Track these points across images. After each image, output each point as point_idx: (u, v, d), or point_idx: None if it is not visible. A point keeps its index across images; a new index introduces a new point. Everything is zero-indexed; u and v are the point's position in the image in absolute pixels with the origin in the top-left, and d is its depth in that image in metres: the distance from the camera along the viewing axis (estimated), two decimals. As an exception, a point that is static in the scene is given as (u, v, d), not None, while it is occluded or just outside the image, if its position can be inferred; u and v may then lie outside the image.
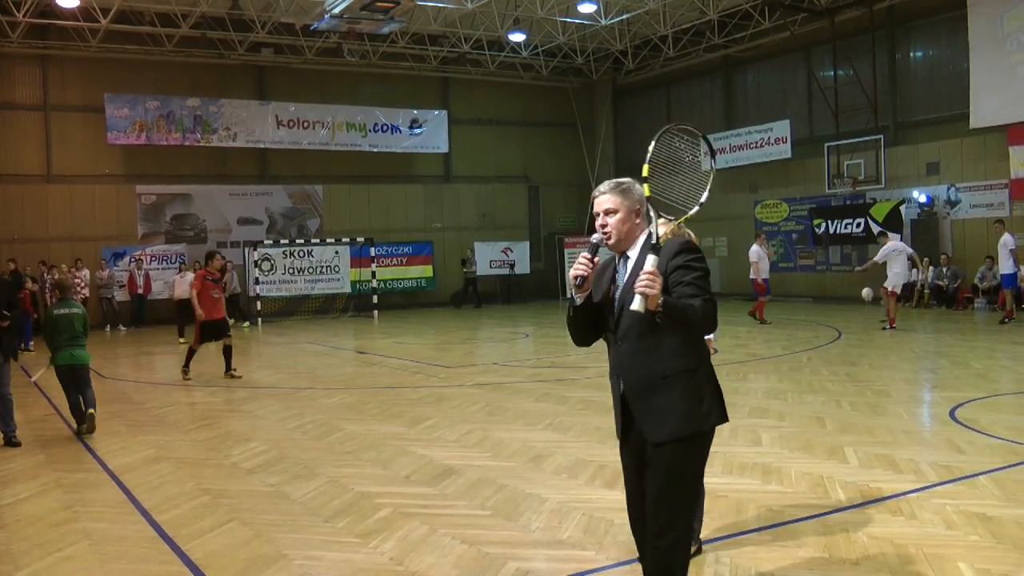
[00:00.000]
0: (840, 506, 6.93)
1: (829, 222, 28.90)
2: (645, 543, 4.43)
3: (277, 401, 13.15)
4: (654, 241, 4.20)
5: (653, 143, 4.48)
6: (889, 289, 20.36)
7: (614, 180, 4.55)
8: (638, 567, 5.24)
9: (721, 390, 4.45)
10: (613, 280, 4.49)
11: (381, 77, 34.40)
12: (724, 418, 4.41)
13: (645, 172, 4.35)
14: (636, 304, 4.05)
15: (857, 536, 6.19)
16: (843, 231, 28.45)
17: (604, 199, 4.47)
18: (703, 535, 6.08)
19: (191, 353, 15.85)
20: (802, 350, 16.62)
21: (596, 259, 4.34)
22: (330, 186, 33.79)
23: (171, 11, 27.41)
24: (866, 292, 21.39)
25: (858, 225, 28.03)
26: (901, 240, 23.16)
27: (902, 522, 6.56)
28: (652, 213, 4.38)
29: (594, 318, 4.52)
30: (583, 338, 4.66)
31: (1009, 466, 8.07)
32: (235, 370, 15.75)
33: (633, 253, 4.45)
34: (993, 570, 5.56)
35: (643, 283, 4.02)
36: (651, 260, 4.12)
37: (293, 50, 31.72)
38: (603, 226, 4.44)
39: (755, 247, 22.47)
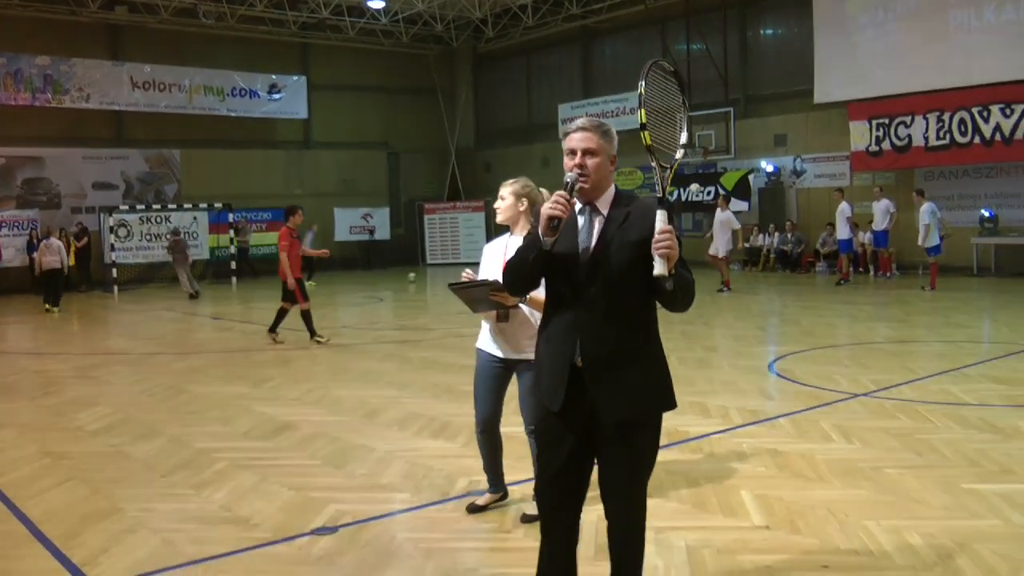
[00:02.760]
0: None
1: (681, 190, 29.85)
2: (561, 519, 4.09)
3: (126, 367, 13.35)
4: (660, 195, 3.76)
5: (643, 83, 3.84)
6: (720, 255, 21.31)
7: (593, 118, 3.99)
8: (445, 507, 5.83)
9: None
10: (579, 232, 3.94)
11: (239, 40, 33.95)
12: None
13: (642, 118, 3.79)
14: (658, 267, 3.60)
15: (656, 471, 6.82)
16: (695, 199, 29.42)
17: (584, 136, 3.89)
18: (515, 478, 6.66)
19: (308, 317, 14.69)
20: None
21: (573, 200, 3.81)
22: (188, 151, 33.29)
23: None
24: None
25: (709, 193, 29.04)
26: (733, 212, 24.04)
27: (700, 459, 7.32)
28: (655, 163, 3.85)
29: (544, 269, 3.98)
30: (525, 287, 4.16)
31: (808, 409, 8.99)
32: (321, 336, 14.77)
33: (603, 206, 3.94)
34: (770, 495, 6.31)
35: (665, 243, 3.60)
36: (662, 216, 3.67)
37: (148, 9, 31.02)
38: (580, 166, 3.84)
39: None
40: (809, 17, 26.38)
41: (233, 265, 30.59)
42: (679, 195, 29.83)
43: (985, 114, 22.73)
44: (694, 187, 21.41)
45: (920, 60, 23.80)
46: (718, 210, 22.17)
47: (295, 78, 35.07)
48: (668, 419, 8.12)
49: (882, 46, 24.68)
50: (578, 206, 3.97)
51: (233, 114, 33.66)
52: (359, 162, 37.19)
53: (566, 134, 3.97)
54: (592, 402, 3.87)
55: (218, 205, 31.30)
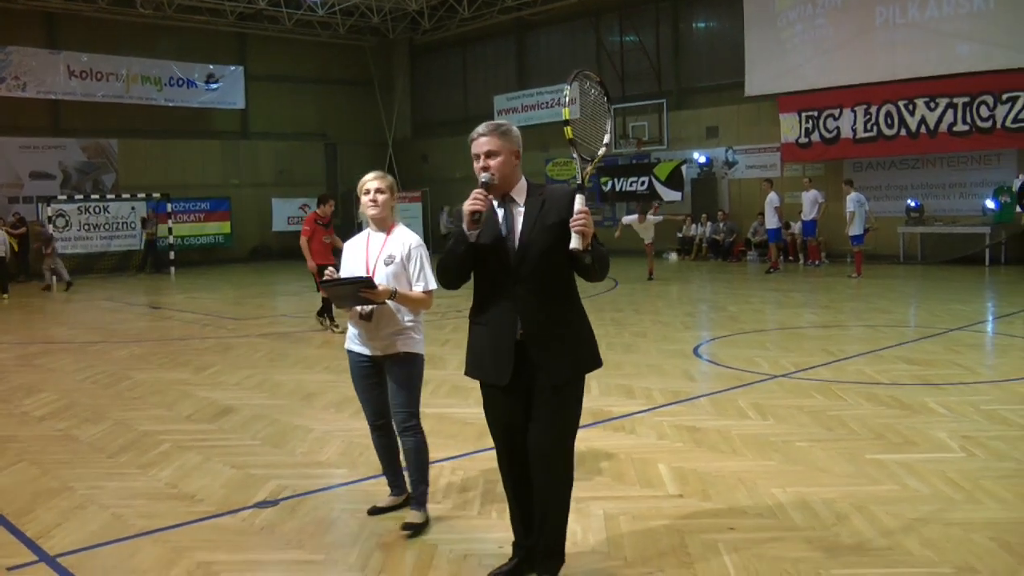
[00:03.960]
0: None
1: (615, 180, 30.32)
2: (526, 482, 4.62)
3: (69, 355, 13.48)
4: (580, 181, 4.33)
5: (568, 86, 4.49)
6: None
7: (492, 122, 4.54)
8: (380, 480, 6.16)
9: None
10: (500, 223, 4.48)
11: (177, 30, 33.84)
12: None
13: (566, 115, 4.35)
14: (574, 242, 4.18)
15: (578, 448, 7.21)
16: (628, 188, 29.89)
17: (483, 141, 4.45)
18: (443, 454, 7.05)
19: (328, 303, 14.61)
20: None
21: (490, 196, 4.40)
22: (126, 140, 33.19)
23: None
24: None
25: (642, 183, 29.54)
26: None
27: (622, 436, 7.75)
28: (576, 154, 4.42)
29: (472, 260, 4.52)
30: (459, 280, 4.60)
31: (728, 389, 9.48)
32: (337, 325, 14.61)
33: (519, 197, 4.50)
34: (685, 467, 6.75)
35: (581, 221, 4.16)
36: (580, 199, 4.23)
37: (84, -3, 30.81)
38: (485, 168, 4.41)
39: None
40: (740, 11, 27.03)
41: (171, 256, 30.56)
42: (612, 185, 30.30)
43: (911, 107, 23.43)
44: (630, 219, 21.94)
45: (847, 55, 24.52)
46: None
47: (232, 68, 35.10)
48: (594, 400, 8.69)
49: (810, 40, 25.36)
50: (496, 201, 4.51)
51: (170, 104, 33.57)
52: (296, 153, 37.33)
53: (471, 140, 4.50)
54: (536, 368, 4.43)
55: (156, 195, 31.26)
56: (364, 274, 5.54)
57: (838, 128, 24.95)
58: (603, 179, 30.88)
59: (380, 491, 6.12)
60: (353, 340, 5.78)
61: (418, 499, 5.71)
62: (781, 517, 5.64)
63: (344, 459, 7.27)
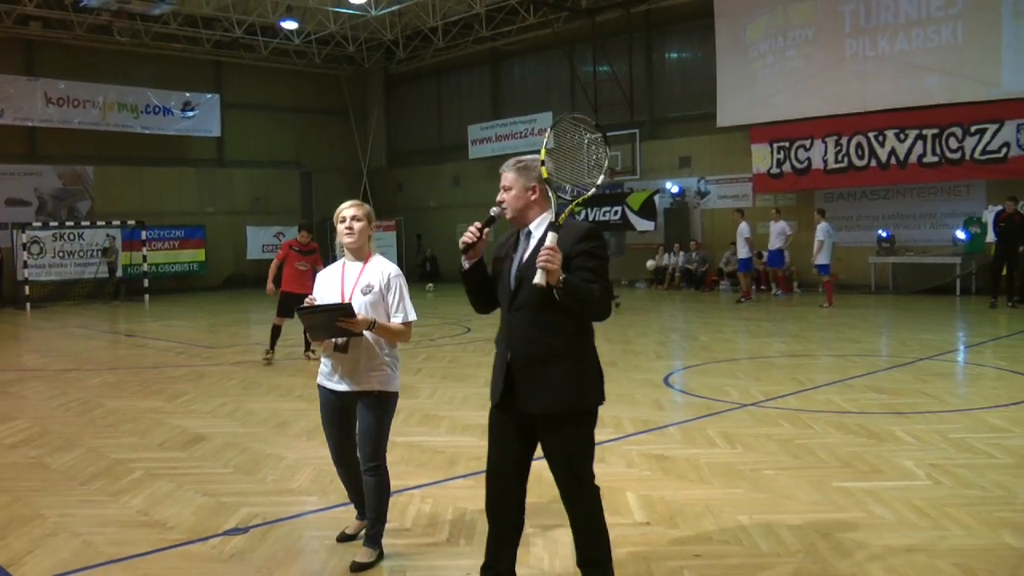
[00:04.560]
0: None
1: (589, 210, 30.45)
2: (504, 508, 4.77)
3: (42, 382, 13.43)
4: (553, 219, 4.46)
5: (549, 130, 4.73)
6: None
7: (517, 158, 4.75)
8: (350, 508, 6.19)
9: (602, 373, 4.77)
10: (513, 253, 4.70)
11: (154, 58, 33.98)
12: (602, 398, 4.72)
13: (542, 155, 4.54)
14: (538, 278, 4.27)
15: (544, 478, 7.28)
16: (602, 218, 29.96)
17: (504, 176, 4.68)
18: (413, 483, 7.10)
19: (275, 331, 14.68)
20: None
21: (487, 230, 4.59)
22: (102, 167, 33.18)
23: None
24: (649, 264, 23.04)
25: (616, 213, 29.71)
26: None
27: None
28: (551, 193, 4.56)
29: (487, 286, 4.77)
30: (480, 304, 4.86)
31: (697, 418, 9.55)
32: (313, 351, 14.48)
33: (537, 230, 4.62)
34: (653, 495, 6.81)
35: (544, 258, 4.24)
36: (551, 237, 4.32)
37: (63, 25, 30.89)
38: (500, 201, 4.65)
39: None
40: (712, 43, 27.35)
41: (146, 283, 30.49)
42: (586, 214, 30.42)
43: (881, 139, 23.72)
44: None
45: (818, 86, 24.83)
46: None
47: (209, 96, 35.16)
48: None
49: (782, 72, 25.68)
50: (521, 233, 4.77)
51: (147, 131, 33.58)
52: (272, 181, 37.40)
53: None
54: (518, 396, 4.57)
55: (131, 222, 31.20)
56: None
57: (809, 159, 25.21)
58: (577, 209, 30.98)
59: (351, 518, 6.14)
60: (325, 376, 5.69)
61: (372, 537, 5.61)
62: (747, 544, 5.72)
63: (315, 486, 7.30)
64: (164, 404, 11.27)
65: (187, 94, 34.41)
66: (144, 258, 30.94)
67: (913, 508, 6.31)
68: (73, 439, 9.36)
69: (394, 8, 31.02)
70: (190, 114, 34.41)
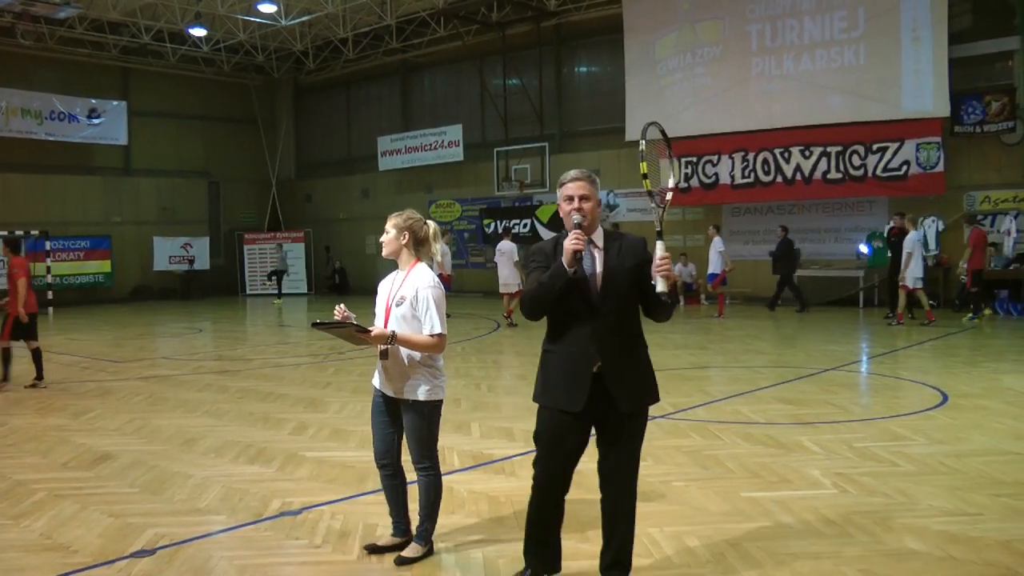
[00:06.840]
0: (454, 469, 8.09)
1: (498, 222, 30.58)
2: (561, 483, 5.21)
3: (-63, 400, 13.10)
4: (658, 228, 4.78)
5: (643, 141, 4.88)
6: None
7: (584, 170, 4.92)
8: (260, 526, 6.13)
9: None
10: (586, 263, 4.81)
11: (59, 62, 33.25)
12: None
13: (643, 169, 4.83)
14: (660, 285, 4.60)
15: (459, 491, 7.35)
16: (512, 231, 30.09)
17: (578, 184, 4.83)
18: (323, 499, 7.02)
19: (5, 354, 13.86)
20: (458, 341, 17.70)
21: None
22: (4, 175, 32.21)
23: None
24: None
25: (525, 225, 29.89)
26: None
27: (502, 479, 7.83)
28: (654, 204, 4.87)
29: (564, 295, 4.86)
30: (543, 313, 4.94)
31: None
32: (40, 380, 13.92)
33: (599, 241, 4.89)
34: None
35: (664, 267, 4.58)
36: (660, 246, 4.63)
37: (-37, 27, 30.05)
38: (579, 210, 4.75)
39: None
40: (621, 58, 27.61)
41: (50, 295, 29.80)
42: (495, 227, 30.55)
43: (786, 155, 24.17)
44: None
45: (726, 103, 25.26)
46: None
47: (115, 103, 34.47)
48: (474, 443, 8.76)
49: (690, 89, 26.04)
50: None
51: (51, 138, 32.79)
52: (179, 190, 36.84)
53: (562, 183, 4.93)
54: (611, 399, 4.83)
55: (35, 232, 30.41)
56: (383, 314, 5.67)
57: (717, 174, 25.57)
58: (486, 221, 31.29)
59: (260, 536, 6.10)
60: (376, 376, 5.83)
61: (420, 534, 5.80)
62: (658, 556, 5.78)
63: (224, 505, 7.19)
64: (69, 421, 11.01)
65: (93, 100, 33.68)
66: (48, 269, 30.24)
67: (819, 516, 6.47)
68: (-29, 460, 9.12)
69: (304, 18, 30.93)
70: (96, 121, 33.71)
